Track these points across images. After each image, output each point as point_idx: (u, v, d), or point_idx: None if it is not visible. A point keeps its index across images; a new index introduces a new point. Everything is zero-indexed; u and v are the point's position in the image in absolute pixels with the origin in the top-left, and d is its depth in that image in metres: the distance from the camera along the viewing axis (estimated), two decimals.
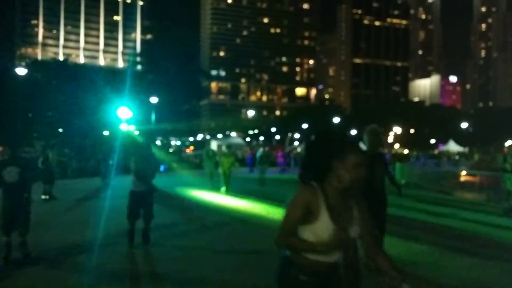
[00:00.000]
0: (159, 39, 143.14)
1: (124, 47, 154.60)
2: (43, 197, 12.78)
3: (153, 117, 36.63)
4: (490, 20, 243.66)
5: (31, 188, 6.27)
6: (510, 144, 72.13)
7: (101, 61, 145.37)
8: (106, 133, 39.67)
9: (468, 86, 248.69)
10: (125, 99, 31.29)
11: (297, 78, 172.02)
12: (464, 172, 24.01)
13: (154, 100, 35.98)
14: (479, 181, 18.39)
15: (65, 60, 60.52)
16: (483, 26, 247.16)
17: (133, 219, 7.01)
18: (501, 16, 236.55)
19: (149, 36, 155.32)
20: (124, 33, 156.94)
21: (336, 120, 62.30)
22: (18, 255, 6.03)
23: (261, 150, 20.98)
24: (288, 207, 2.39)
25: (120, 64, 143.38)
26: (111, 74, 50.31)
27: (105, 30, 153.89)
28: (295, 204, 2.35)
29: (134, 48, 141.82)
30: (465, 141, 69.12)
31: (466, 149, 69.41)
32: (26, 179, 6.07)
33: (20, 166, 6.03)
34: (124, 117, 25.60)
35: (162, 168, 32.07)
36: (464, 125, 68.92)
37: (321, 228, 2.32)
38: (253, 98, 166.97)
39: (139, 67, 55.75)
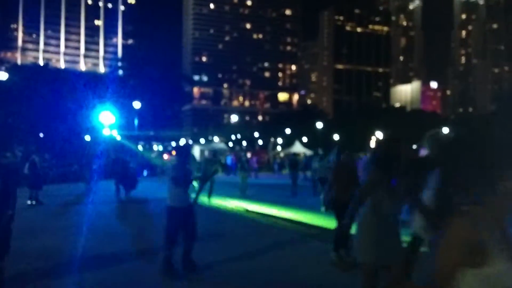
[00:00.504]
0: (141, 44, 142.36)
1: (105, 52, 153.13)
2: (28, 202, 12.57)
3: (135, 122, 36.31)
4: (470, 27, 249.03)
5: (15, 203, 5.07)
6: None
7: (82, 66, 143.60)
8: (87, 138, 39.10)
9: (448, 92, 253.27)
10: (107, 104, 30.93)
11: (280, 83, 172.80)
12: None
13: (137, 105, 35.68)
14: None
15: (46, 65, 59.59)
16: (463, 33, 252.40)
17: (172, 244, 5.67)
18: (481, 24, 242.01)
19: (130, 41, 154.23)
20: (105, 38, 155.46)
21: (319, 125, 62.63)
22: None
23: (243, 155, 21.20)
24: (442, 249, 1.66)
25: (102, 69, 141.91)
26: (93, 79, 49.70)
27: (86, 35, 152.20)
28: (453, 244, 1.63)
29: (116, 53, 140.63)
30: None
31: None
32: (9, 191, 4.90)
33: (0, 175, 4.89)
34: (106, 122, 25.26)
35: (145, 173, 31.76)
36: (444, 130, 70.01)
37: (497, 273, 1.59)
38: (235, 103, 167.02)
39: (120, 72, 55.26)
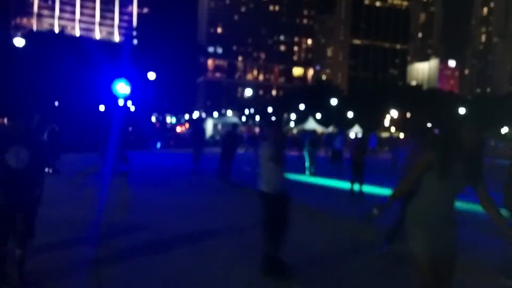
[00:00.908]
0: (156, 13, 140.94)
1: (120, 20, 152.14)
2: (46, 170, 12.65)
3: (150, 93, 36.24)
4: (492, 5, 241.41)
5: (43, 181, 4.40)
6: (507, 130, 72.49)
7: (97, 34, 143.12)
8: (102, 108, 39.25)
9: (466, 71, 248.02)
10: (121, 74, 30.83)
11: (295, 57, 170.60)
12: None
13: (151, 75, 35.51)
14: None
15: (61, 32, 59.39)
16: (485, 10, 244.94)
17: (275, 239, 4.86)
18: (503, 1, 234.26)
19: (146, 10, 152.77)
20: (121, 6, 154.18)
21: (333, 101, 61.99)
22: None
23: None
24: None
25: (116, 38, 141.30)
26: (108, 48, 49.50)
27: (101, 2, 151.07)
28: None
29: (131, 22, 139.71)
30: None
31: None
32: (38, 166, 4.25)
33: (31, 147, 4.14)
34: (121, 92, 25.22)
35: (158, 145, 31.92)
36: (461, 110, 68.93)
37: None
38: (249, 76, 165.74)
39: (135, 41, 54.85)
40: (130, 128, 41.06)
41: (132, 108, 43.03)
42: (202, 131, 16.63)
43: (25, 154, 4.04)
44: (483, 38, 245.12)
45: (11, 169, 4.01)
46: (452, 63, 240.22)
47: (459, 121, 3.41)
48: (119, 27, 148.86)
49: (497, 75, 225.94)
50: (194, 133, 16.03)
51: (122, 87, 26.68)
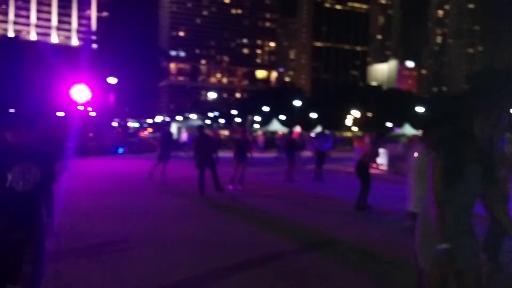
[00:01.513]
0: (115, 17, 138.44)
1: (79, 24, 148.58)
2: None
3: (111, 98, 35.57)
4: (447, 7, 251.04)
5: (53, 206, 3.31)
6: None
7: (54, 39, 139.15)
8: (61, 114, 38.19)
9: (423, 71, 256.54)
10: (81, 80, 30.15)
11: (258, 60, 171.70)
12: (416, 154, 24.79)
13: (112, 80, 34.83)
14: None
15: (16, 37, 57.48)
16: (440, 12, 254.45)
17: None
18: (458, 3, 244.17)
19: (105, 14, 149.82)
20: (79, 10, 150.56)
21: (297, 103, 62.76)
22: None
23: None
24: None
25: (75, 42, 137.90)
26: (65, 52, 48.29)
27: (59, 6, 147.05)
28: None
29: (90, 25, 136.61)
30: (419, 125, 71.47)
31: (421, 132, 71.89)
32: (47, 187, 3.23)
33: (40, 163, 3.15)
34: (81, 98, 24.66)
35: (120, 150, 31.37)
36: (419, 109, 71.23)
37: None
38: (213, 80, 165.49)
39: (95, 45, 53.74)
40: (91, 134, 40.17)
41: (93, 114, 42.10)
42: (170, 135, 15.55)
43: (34, 172, 3.08)
44: (439, 39, 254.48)
45: (15, 193, 2.98)
46: (410, 63, 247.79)
47: (469, 116, 2.87)
48: (77, 31, 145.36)
49: (452, 75, 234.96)
50: (162, 138, 14.48)
51: (81, 93, 26.12)
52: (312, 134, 34.32)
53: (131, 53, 47.65)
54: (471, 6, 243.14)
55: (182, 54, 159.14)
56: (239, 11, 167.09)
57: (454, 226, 2.67)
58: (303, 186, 13.06)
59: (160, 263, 5.28)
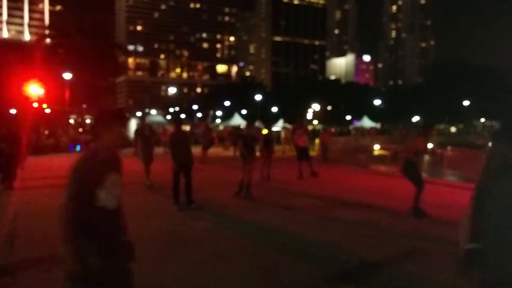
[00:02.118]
0: (70, 11, 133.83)
1: (31, 18, 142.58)
2: None
3: (66, 94, 34.50)
4: (400, 2, 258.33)
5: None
6: (417, 119, 78.24)
7: (5, 33, 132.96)
8: (13, 111, 36.73)
9: (380, 65, 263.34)
10: (34, 76, 29.08)
11: (218, 55, 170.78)
12: (377, 147, 25.70)
13: (67, 76, 33.79)
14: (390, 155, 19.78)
15: None
16: (394, 7, 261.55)
17: None
18: None
19: (58, 7, 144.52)
20: (30, 3, 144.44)
21: (258, 97, 63.02)
22: None
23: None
24: None
25: (27, 37, 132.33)
26: (17, 48, 46.36)
27: (9, 0, 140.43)
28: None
29: (42, 20, 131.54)
30: (377, 117, 73.59)
31: (379, 125, 74.05)
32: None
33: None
34: (34, 94, 23.80)
35: (78, 147, 30.54)
36: (376, 102, 73.17)
37: None
38: (173, 74, 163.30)
39: (48, 40, 51.84)
40: (46, 132, 38.89)
41: (48, 111, 40.74)
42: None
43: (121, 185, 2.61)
44: (394, 33, 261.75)
45: (106, 212, 2.48)
46: (366, 57, 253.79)
47: None
48: (29, 25, 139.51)
49: (407, 68, 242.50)
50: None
51: (34, 89, 25.21)
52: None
53: (87, 48, 46.33)
54: (422, 1, 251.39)
55: (140, 48, 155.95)
56: (198, 5, 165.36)
57: (493, 226, 2.25)
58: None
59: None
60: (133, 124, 49.92)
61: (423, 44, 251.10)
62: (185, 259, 5.29)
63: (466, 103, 70.17)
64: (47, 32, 51.95)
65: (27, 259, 5.31)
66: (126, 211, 2.80)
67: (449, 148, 16.54)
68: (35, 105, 28.17)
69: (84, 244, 2.36)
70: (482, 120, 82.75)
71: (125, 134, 12.37)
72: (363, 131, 57.45)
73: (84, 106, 52.41)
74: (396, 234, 6.44)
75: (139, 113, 76.27)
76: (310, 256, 5.42)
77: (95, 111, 2.75)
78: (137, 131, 11.45)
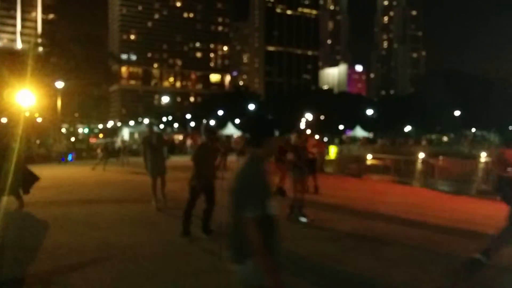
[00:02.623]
0: (63, 19, 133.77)
1: (23, 27, 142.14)
2: None
3: (58, 103, 34.26)
4: (391, 13, 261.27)
5: None
6: (409, 129, 78.66)
7: None
8: (4, 120, 36.41)
9: (372, 75, 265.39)
10: (26, 84, 28.85)
11: (211, 64, 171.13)
12: (370, 156, 25.69)
13: (59, 85, 33.59)
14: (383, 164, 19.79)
15: None
16: (385, 18, 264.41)
17: None
18: (401, 10, 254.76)
19: (51, 16, 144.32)
20: (23, 12, 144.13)
21: (251, 107, 63.12)
22: None
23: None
24: None
25: (19, 45, 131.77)
26: (10, 56, 46.07)
27: (1, 8, 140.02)
28: None
29: (35, 28, 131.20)
30: (370, 127, 73.92)
31: (371, 134, 74.36)
32: None
33: None
34: (25, 103, 23.57)
35: (70, 157, 30.28)
36: (369, 111, 73.52)
37: None
38: (166, 84, 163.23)
39: (40, 49, 51.61)
40: (38, 141, 38.55)
41: (39, 120, 40.45)
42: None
43: None
44: (385, 44, 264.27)
45: (272, 221, 2.45)
46: (359, 67, 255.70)
47: None
48: (22, 34, 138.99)
49: (399, 78, 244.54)
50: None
51: (26, 98, 24.96)
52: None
53: (80, 56, 46.16)
54: (414, 12, 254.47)
55: (133, 57, 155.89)
56: (191, 15, 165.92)
57: None
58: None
59: (108, 274, 5.10)
60: (125, 133, 49.74)
61: (415, 55, 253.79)
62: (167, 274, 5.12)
63: (457, 113, 70.66)
64: (39, 40, 51.68)
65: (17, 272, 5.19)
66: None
67: (440, 158, 16.62)
68: (27, 114, 27.91)
69: (270, 258, 2.28)
70: (473, 130, 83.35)
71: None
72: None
73: (76, 115, 52.10)
74: None
75: (131, 122, 76.06)
76: None
77: (248, 120, 2.52)
78: (144, 140, 9.88)
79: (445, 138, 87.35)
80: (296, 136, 8.80)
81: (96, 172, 18.65)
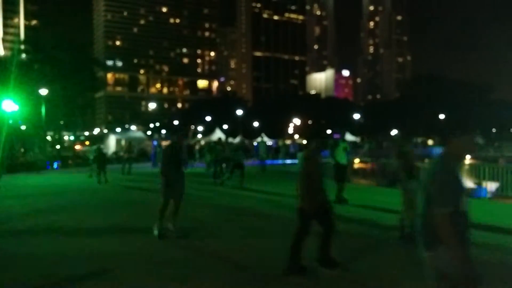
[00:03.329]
0: (46, 25, 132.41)
1: (5, 33, 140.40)
2: None
3: (43, 110, 33.67)
4: (377, 19, 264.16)
5: None
6: (396, 133, 79.32)
7: None
8: None
9: (358, 80, 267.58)
10: (9, 91, 28.29)
11: (199, 70, 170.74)
12: (357, 160, 25.68)
13: (43, 92, 33.03)
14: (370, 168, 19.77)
15: None
16: (371, 24, 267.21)
17: None
18: (387, 15, 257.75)
19: (34, 22, 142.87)
20: (5, 18, 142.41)
21: (239, 112, 62.94)
22: None
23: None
24: None
25: (1, 52, 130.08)
26: None
27: None
28: None
29: (18, 34, 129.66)
30: (357, 131, 74.31)
31: (358, 139, 74.77)
32: None
33: None
34: (9, 110, 23.07)
35: (55, 165, 29.77)
36: (356, 116, 73.92)
37: None
38: (153, 90, 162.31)
39: (23, 55, 50.80)
40: (23, 150, 37.85)
41: (23, 127, 39.75)
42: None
43: None
44: (371, 49, 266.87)
45: (465, 218, 2.63)
46: (346, 72, 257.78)
47: None
48: (4, 40, 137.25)
49: (385, 83, 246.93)
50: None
51: (9, 105, 24.45)
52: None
53: (64, 63, 45.54)
54: (399, 18, 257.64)
55: (119, 63, 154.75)
56: (178, 21, 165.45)
57: None
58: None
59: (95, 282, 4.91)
60: (112, 140, 49.16)
61: (400, 59, 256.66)
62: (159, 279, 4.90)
63: (442, 116, 71.48)
64: (22, 47, 50.90)
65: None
66: None
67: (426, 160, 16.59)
68: (10, 121, 27.34)
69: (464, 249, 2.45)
70: None
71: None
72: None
73: (62, 122, 51.31)
74: None
75: (118, 129, 75.26)
76: None
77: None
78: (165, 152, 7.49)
79: (430, 141, 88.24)
80: (401, 141, 7.66)
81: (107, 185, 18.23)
